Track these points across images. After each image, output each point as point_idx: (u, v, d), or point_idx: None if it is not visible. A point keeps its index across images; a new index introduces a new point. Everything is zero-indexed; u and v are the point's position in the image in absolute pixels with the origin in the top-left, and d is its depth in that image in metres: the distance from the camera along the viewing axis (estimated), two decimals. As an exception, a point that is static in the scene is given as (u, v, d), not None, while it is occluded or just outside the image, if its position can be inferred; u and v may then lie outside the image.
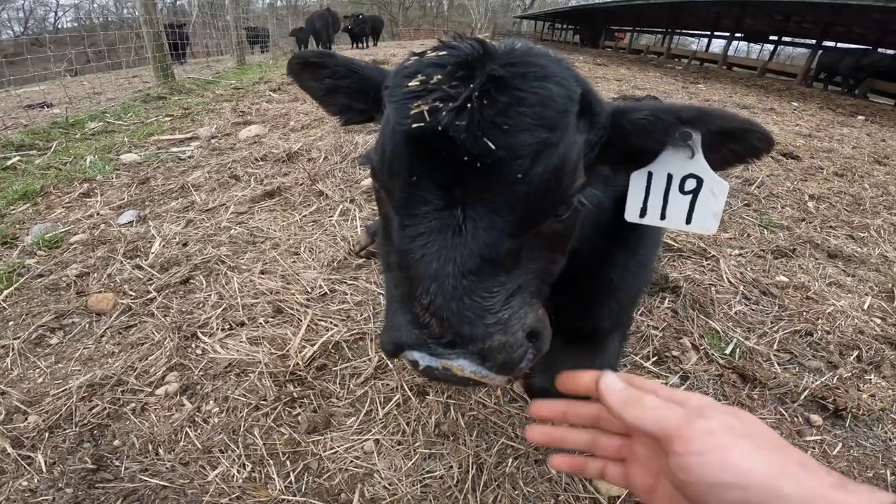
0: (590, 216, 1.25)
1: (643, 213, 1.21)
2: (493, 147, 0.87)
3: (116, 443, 1.71)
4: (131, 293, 2.45)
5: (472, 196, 0.92)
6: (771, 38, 18.78)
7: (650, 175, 1.16)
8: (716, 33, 20.16)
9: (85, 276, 2.64)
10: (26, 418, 1.79)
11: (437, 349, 0.93)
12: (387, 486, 1.55)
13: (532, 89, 0.93)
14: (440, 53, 0.97)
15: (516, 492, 1.55)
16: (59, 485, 1.57)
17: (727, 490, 0.62)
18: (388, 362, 2.01)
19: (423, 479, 1.58)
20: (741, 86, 13.22)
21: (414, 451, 1.66)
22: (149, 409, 1.83)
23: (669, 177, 1.13)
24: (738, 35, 19.08)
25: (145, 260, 2.72)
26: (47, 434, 1.73)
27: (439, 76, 0.92)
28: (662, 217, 1.19)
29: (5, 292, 2.51)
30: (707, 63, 19.39)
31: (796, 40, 17.92)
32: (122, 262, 2.71)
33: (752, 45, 22.03)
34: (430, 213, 0.94)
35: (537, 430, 1.05)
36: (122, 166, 4.38)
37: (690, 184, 1.12)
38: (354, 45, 24.66)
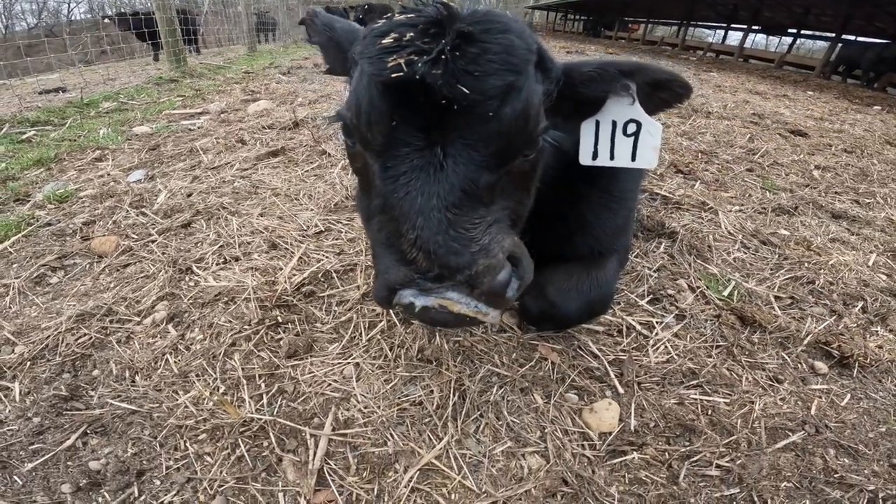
0: (553, 161, 1.40)
1: (595, 155, 1.39)
2: (467, 91, 0.98)
3: (95, 372, 1.66)
4: (133, 236, 2.45)
5: (449, 136, 1.02)
6: (790, 30, 18.36)
7: (598, 123, 1.35)
8: (732, 25, 19.74)
9: (91, 223, 2.65)
10: (13, 349, 1.76)
11: (425, 284, 0.99)
12: (362, 408, 1.50)
13: (497, 41, 1.04)
14: (409, 16, 1.08)
15: (500, 422, 1.48)
16: (28, 414, 1.52)
17: None
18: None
19: (401, 402, 1.52)
20: (756, 76, 12.90)
21: (394, 375, 1.61)
22: (134, 337, 1.79)
23: (614, 123, 1.33)
24: (755, 27, 18.67)
25: (150, 209, 2.72)
26: (29, 363, 1.69)
27: (412, 34, 1.02)
28: (612, 157, 1.37)
29: (13, 238, 2.52)
30: (723, 55, 18.97)
31: (816, 33, 17.48)
32: (127, 210, 2.72)
33: (770, 38, 21.56)
34: (411, 154, 1.03)
35: None
36: (133, 137, 4.41)
37: (631, 127, 1.32)
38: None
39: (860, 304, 2.12)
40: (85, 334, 1.79)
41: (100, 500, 1.29)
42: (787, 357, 1.81)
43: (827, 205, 3.11)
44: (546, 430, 1.47)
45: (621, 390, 1.60)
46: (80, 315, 1.86)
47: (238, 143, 3.85)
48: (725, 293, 2.07)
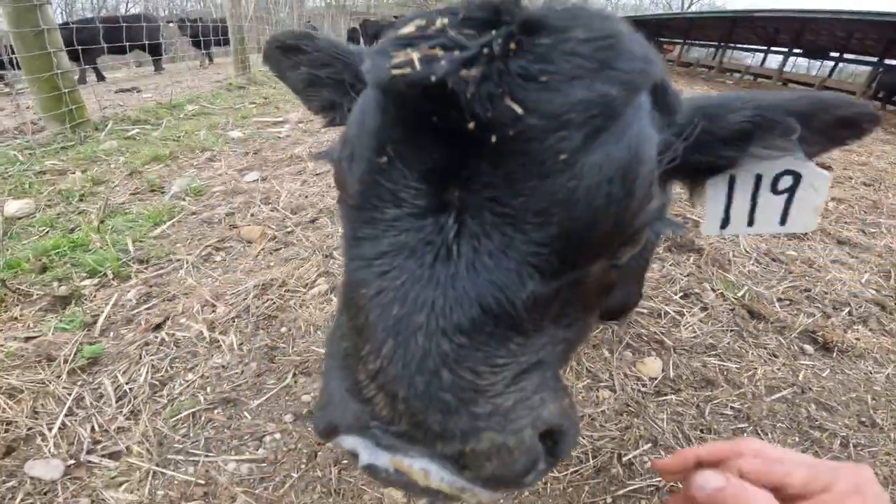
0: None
1: (725, 223, 1.01)
2: (520, 111, 0.57)
3: (283, 329, 2.35)
4: (273, 227, 3.27)
5: (476, 195, 0.62)
6: (832, 54, 18.72)
7: (733, 179, 0.95)
8: (773, 49, 20.18)
9: (231, 214, 3.46)
10: (214, 310, 2.45)
11: (385, 439, 0.62)
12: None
13: (590, 28, 0.61)
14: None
15: (580, 367, 2.22)
16: (247, 360, 2.12)
17: None
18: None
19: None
20: (793, 102, 13.41)
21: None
22: (306, 304, 2.53)
23: (758, 177, 0.94)
24: (796, 51, 19.07)
25: (278, 205, 3.55)
26: (234, 321, 2.37)
27: (446, 20, 0.62)
28: (750, 223, 1.00)
29: (168, 223, 3.34)
30: (761, 78, 19.44)
31: (858, 58, 17.79)
32: (259, 205, 3.55)
33: (812, 62, 21.95)
34: (401, 220, 0.64)
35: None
36: (231, 141, 5.26)
37: (786, 181, 0.93)
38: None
39: (847, 308, 2.81)
40: (269, 300, 2.56)
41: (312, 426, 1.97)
42: (782, 340, 2.51)
43: (835, 232, 3.80)
44: (612, 373, 2.20)
45: (666, 346, 2.33)
46: (262, 285, 2.64)
47: (329, 153, 4.69)
48: (739, 294, 2.81)
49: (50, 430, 1.79)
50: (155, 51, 11.87)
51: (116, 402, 1.93)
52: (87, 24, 9.42)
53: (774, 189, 0.94)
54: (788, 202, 0.94)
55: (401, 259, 0.62)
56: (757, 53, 21.83)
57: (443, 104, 0.58)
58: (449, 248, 0.61)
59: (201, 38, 11.97)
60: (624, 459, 1.78)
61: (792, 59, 19.23)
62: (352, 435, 0.65)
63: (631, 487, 1.68)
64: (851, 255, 3.49)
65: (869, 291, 3.04)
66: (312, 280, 2.71)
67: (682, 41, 24.53)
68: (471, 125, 0.57)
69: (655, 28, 24.39)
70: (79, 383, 2.00)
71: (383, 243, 0.64)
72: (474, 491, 0.63)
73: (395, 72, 0.59)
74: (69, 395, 1.93)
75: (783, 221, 0.97)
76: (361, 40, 23.74)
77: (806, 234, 3.68)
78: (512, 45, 0.58)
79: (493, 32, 0.59)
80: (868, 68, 16.24)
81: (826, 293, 2.93)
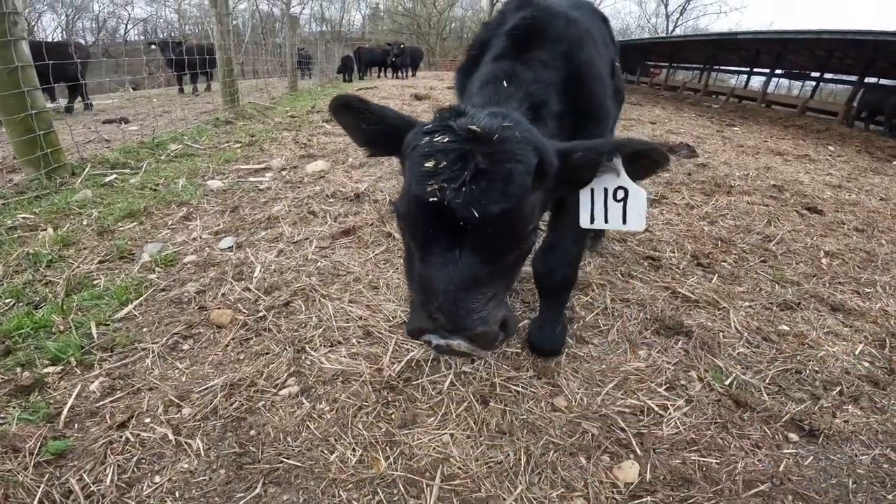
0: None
1: (592, 219, 1.76)
2: (476, 215, 1.41)
3: (252, 433, 2.23)
4: (244, 311, 3.13)
5: (465, 242, 1.46)
6: (812, 74, 19.05)
7: (592, 190, 1.72)
8: (755, 70, 20.54)
9: (202, 293, 3.32)
10: (180, 411, 2.34)
11: (443, 333, 1.48)
12: (460, 466, 2.14)
13: (500, 172, 1.44)
14: (445, 140, 1.48)
15: (555, 475, 2.12)
16: (214, 466, 2.02)
17: None
18: (457, 382, 2.64)
19: (488, 462, 2.17)
20: (779, 127, 13.64)
21: (480, 442, 2.27)
22: (276, 406, 2.40)
23: (605, 190, 1.69)
24: (778, 72, 19.39)
25: (251, 283, 3.41)
26: (201, 423, 2.25)
27: (444, 163, 1.44)
28: (606, 220, 1.74)
29: (135, 302, 3.19)
30: (746, 100, 19.73)
31: (840, 77, 18.12)
32: (232, 283, 3.41)
33: (794, 81, 22.31)
34: (439, 252, 1.48)
35: None
36: (210, 192, 5.13)
37: (620, 193, 1.67)
38: (395, 75, 26.64)
39: (838, 388, 2.73)
40: (237, 401, 2.41)
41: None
42: (767, 431, 2.42)
43: (828, 297, 3.70)
44: (588, 481, 2.11)
45: (640, 454, 2.24)
46: (232, 384, 2.50)
47: (309, 213, 4.60)
48: (727, 383, 2.71)
49: (22, 520, 1.80)
50: (72, 87, 10.78)
51: (85, 499, 1.91)
52: None
53: (615, 198, 1.66)
54: (625, 207, 1.66)
55: (442, 265, 1.47)
56: (741, 75, 22.14)
57: (450, 210, 1.42)
58: (458, 261, 1.45)
59: (187, 72, 11.87)
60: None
61: (774, 79, 19.53)
62: (428, 333, 1.50)
63: None
64: (845, 324, 3.41)
65: (862, 365, 2.97)
66: (283, 380, 2.57)
67: (667, 65, 24.86)
68: (460, 221, 1.42)
69: (642, 53, 24.72)
70: (46, 476, 1.97)
71: (435, 260, 1.48)
72: (477, 351, 1.54)
73: (431, 199, 1.42)
74: (38, 486, 1.92)
75: (624, 221, 1.68)
76: (355, 66, 24.00)
77: (798, 303, 3.60)
78: (473, 185, 1.41)
79: (465, 172, 1.42)
80: (849, 87, 16.50)
81: (817, 372, 2.85)
